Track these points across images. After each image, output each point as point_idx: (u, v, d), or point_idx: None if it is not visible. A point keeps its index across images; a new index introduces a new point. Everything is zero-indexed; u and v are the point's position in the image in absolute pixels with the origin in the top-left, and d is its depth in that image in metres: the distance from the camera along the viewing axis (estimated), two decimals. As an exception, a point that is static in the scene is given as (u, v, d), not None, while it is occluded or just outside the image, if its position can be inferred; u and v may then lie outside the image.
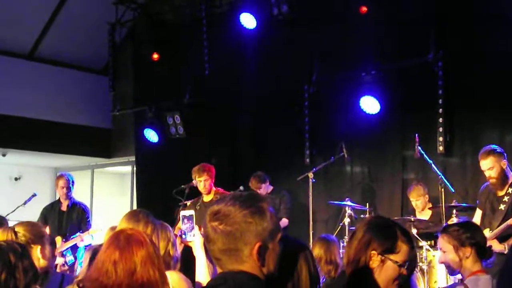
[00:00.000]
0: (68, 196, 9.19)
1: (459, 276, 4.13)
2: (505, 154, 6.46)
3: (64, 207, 9.23)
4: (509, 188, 6.38)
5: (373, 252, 3.04)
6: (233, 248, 2.27)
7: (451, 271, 4.11)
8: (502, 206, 6.29)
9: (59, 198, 9.34)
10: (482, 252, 4.02)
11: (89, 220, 9.16)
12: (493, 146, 6.54)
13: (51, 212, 9.23)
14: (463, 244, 3.99)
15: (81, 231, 8.72)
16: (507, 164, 6.43)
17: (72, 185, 9.23)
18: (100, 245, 4.30)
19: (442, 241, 4.06)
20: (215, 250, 2.31)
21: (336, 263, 5.52)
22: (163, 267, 2.91)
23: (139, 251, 2.84)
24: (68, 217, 9.09)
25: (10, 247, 3.06)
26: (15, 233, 3.88)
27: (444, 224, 6.46)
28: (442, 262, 4.11)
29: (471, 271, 3.97)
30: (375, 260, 3.04)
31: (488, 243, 6.15)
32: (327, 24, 9.80)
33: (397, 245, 3.07)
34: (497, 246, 6.24)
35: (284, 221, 9.21)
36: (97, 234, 8.59)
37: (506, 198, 6.32)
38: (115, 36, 12.59)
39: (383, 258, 3.04)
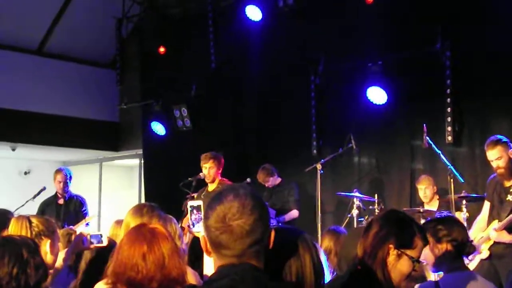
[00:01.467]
0: (65, 190, 9.22)
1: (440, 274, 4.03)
2: (511, 144, 6.41)
3: (61, 201, 9.26)
4: None
5: (390, 246, 3.04)
6: None
7: (431, 267, 3.97)
8: (510, 197, 6.24)
9: (56, 192, 9.36)
10: (461, 248, 3.87)
11: (85, 212, 9.15)
12: (499, 136, 6.48)
13: (49, 206, 9.26)
14: (439, 240, 3.86)
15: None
16: None
17: (70, 179, 9.27)
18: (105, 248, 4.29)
19: None
20: None
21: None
22: (183, 260, 2.94)
23: (166, 244, 2.86)
24: (66, 210, 9.13)
25: (23, 241, 3.05)
26: (30, 221, 3.88)
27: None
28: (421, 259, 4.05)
29: (450, 267, 3.85)
30: (391, 255, 3.04)
31: (494, 235, 6.13)
32: (333, 15, 9.79)
33: (414, 240, 3.07)
34: (506, 237, 6.21)
35: (294, 213, 9.20)
36: (92, 220, 8.66)
37: None
38: (122, 30, 12.65)
39: (399, 252, 3.03)
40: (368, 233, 3.12)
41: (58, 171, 9.31)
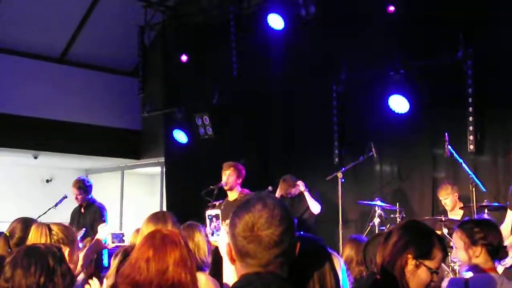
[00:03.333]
0: (83, 200, 9.27)
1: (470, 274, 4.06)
2: None
3: (82, 209, 9.34)
4: None
5: (409, 256, 3.04)
6: None
7: (463, 268, 4.04)
8: None
9: None
10: (494, 252, 3.93)
11: (104, 219, 9.12)
12: None
13: (75, 214, 9.38)
14: (474, 243, 3.92)
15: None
16: None
17: (86, 189, 9.26)
18: (130, 246, 4.32)
19: (455, 236, 4.01)
20: None
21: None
22: (195, 271, 2.91)
23: (173, 252, 2.84)
24: (84, 218, 9.18)
25: (49, 250, 3.04)
26: (50, 229, 3.89)
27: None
28: (454, 258, 4.07)
29: (482, 269, 3.90)
30: (409, 264, 3.04)
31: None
32: (355, 24, 9.77)
33: (433, 251, 3.08)
34: None
35: (317, 208, 9.11)
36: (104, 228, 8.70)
37: None
38: (144, 38, 12.70)
39: (418, 263, 3.04)
40: (387, 242, 3.13)
41: (73, 184, 9.32)
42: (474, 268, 3.94)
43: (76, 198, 9.27)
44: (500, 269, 6.26)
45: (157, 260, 2.81)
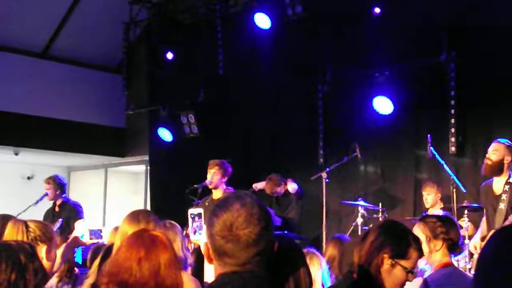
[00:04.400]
0: (55, 197, 9.15)
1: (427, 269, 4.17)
2: None
3: (56, 208, 9.22)
4: (505, 186, 6.38)
5: (385, 255, 3.09)
6: None
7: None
8: (501, 205, 6.30)
9: None
10: (453, 248, 4.06)
11: (80, 217, 8.89)
12: (507, 140, 6.57)
13: (49, 213, 9.25)
14: (436, 236, 4.02)
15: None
16: (510, 161, 6.44)
17: (58, 187, 9.13)
18: (111, 245, 4.31)
19: (417, 229, 4.05)
20: None
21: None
22: (180, 272, 2.91)
23: (165, 253, 2.84)
24: (57, 216, 9.05)
25: (20, 247, 3.02)
26: (27, 226, 3.86)
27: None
28: None
29: (439, 263, 4.00)
30: (386, 264, 3.10)
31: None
32: (341, 25, 9.83)
33: (409, 251, 3.14)
34: None
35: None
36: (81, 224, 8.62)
37: (504, 197, 6.32)
38: (129, 35, 12.63)
39: (393, 262, 3.09)
40: (364, 241, 3.18)
41: (45, 180, 9.25)
42: (432, 262, 4.04)
43: (46, 194, 9.14)
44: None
45: (150, 261, 2.79)
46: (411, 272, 3.12)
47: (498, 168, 6.40)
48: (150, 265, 2.80)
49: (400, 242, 3.15)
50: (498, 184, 6.51)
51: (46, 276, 3.10)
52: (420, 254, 3.20)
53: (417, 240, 3.22)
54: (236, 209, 2.21)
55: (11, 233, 3.79)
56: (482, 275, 1.81)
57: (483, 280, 1.79)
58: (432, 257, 4.02)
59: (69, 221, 8.60)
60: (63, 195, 9.26)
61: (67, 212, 9.04)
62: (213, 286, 2.22)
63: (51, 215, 9.15)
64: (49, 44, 13.10)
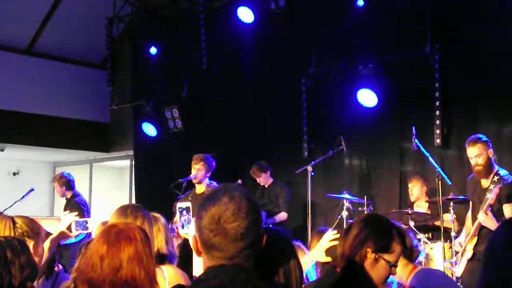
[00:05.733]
0: (63, 194, 9.46)
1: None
2: (491, 144, 6.49)
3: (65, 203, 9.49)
4: (495, 176, 6.40)
5: (368, 250, 3.08)
6: None
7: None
8: (488, 195, 6.32)
9: None
10: (408, 256, 3.78)
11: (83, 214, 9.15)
12: (480, 135, 6.57)
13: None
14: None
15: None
16: (493, 153, 6.47)
17: (63, 184, 9.43)
18: (90, 241, 4.30)
19: None
20: None
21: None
22: (152, 266, 2.85)
23: (127, 247, 2.78)
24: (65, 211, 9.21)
25: (8, 242, 3.03)
26: (14, 222, 3.85)
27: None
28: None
29: (407, 273, 3.76)
30: (369, 258, 3.08)
31: (482, 217, 6.20)
32: (324, 18, 9.83)
33: (392, 245, 3.12)
34: (491, 223, 6.20)
35: (283, 215, 9.23)
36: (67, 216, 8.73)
37: (492, 187, 6.34)
38: (113, 30, 12.60)
39: (376, 256, 3.08)
40: (348, 235, 3.16)
41: (53, 180, 9.47)
42: (401, 278, 3.80)
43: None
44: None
45: (111, 257, 2.75)
46: (394, 266, 3.11)
47: (489, 167, 6.41)
48: (110, 261, 2.75)
49: (383, 236, 3.13)
50: None
51: (35, 271, 3.10)
52: (404, 248, 3.18)
53: (401, 233, 3.20)
54: (224, 202, 2.21)
55: None
56: (493, 263, 1.81)
57: (495, 268, 1.79)
58: (398, 274, 3.65)
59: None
60: (72, 191, 9.52)
61: (69, 208, 9.15)
62: (201, 279, 2.22)
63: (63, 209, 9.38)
64: (34, 40, 13.06)
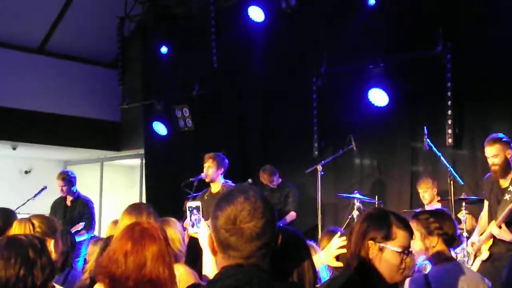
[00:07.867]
0: (68, 192, 9.30)
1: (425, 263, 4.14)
2: None
3: (68, 202, 9.36)
4: None
5: (370, 241, 3.05)
6: None
7: (418, 257, 4.08)
8: (507, 196, 6.24)
9: None
10: (449, 241, 4.02)
11: (90, 214, 9.19)
12: (500, 135, 6.47)
13: (59, 205, 9.40)
14: (431, 233, 3.98)
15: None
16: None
17: (71, 182, 9.30)
18: (109, 237, 4.31)
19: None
20: None
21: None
22: (173, 265, 2.89)
23: (151, 246, 2.82)
24: (71, 212, 9.20)
25: (30, 242, 3.03)
26: (33, 224, 3.87)
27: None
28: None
29: (439, 258, 3.97)
30: (373, 249, 3.05)
31: (496, 231, 6.14)
32: (335, 17, 9.81)
33: (392, 231, 3.06)
34: (507, 235, 6.18)
35: (292, 215, 9.20)
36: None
37: (511, 188, 6.27)
38: (124, 29, 12.64)
39: (380, 246, 3.03)
40: (352, 234, 3.15)
41: (57, 177, 9.36)
42: (431, 258, 4.01)
43: (62, 190, 9.27)
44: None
45: (135, 254, 2.79)
46: (405, 253, 3.03)
47: (507, 167, 6.33)
48: (136, 258, 2.78)
49: (380, 223, 3.08)
50: None
51: (54, 271, 3.12)
52: (408, 231, 3.11)
53: (401, 219, 3.13)
54: (240, 202, 2.24)
55: (18, 233, 3.78)
56: None
57: None
58: (430, 254, 3.98)
59: (82, 216, 9.11)
60: (75, 189, 9.40)
61: (80, 207, 9.26)
62: (217, 278, 2.23)
63: (62, 208, 9.33)
64: (46, 39, 13.11)
